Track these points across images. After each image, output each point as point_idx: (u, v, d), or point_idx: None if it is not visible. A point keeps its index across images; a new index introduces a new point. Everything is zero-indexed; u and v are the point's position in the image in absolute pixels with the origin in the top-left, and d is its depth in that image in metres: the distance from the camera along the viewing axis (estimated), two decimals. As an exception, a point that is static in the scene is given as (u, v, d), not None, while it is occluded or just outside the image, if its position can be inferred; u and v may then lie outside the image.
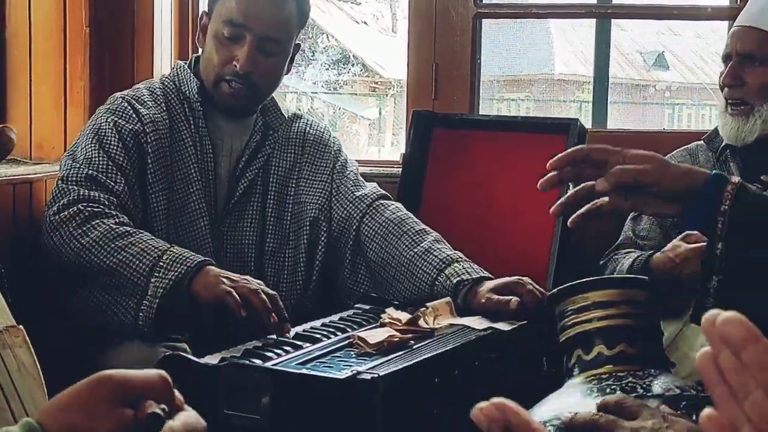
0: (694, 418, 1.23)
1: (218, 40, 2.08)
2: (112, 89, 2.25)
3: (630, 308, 1.31)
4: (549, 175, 1.38)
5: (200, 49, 2.18)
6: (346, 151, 2.30)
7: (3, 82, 2.58)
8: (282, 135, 2.22)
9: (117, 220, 1.93)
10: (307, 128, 2.26)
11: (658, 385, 1.25)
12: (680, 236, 1.93)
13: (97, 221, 1.91)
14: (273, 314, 1.76)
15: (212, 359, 1.57)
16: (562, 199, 1.38)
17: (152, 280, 1.83)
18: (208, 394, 1.49)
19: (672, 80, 10.81)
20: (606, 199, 1.35)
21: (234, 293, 1.76)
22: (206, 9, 2.15)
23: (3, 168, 2.39)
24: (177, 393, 0.80)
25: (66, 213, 1.93)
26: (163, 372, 0.79)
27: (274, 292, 1.83)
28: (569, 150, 1.39)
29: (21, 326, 0.96)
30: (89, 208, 1.93)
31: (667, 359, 1.36)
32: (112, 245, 1.88)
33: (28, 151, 2.59)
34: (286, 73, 2.20)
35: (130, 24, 2.70)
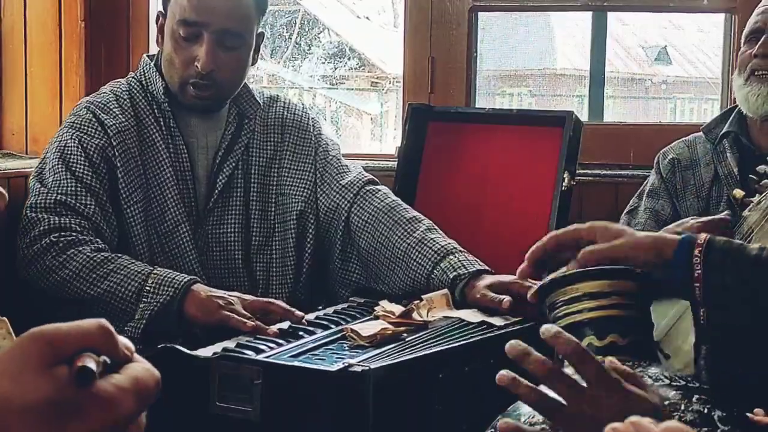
0: (682, 408, 1.23)
1: (175, 40, 2.01)
2: (108, 82, 2.23)
3: (620, 299, 1.30)
4: (522, 267, 1.41)
5: (159, 43, 2.11)
6: (326, 131, 2.25)
7: (-1, 78, 2.59)
8: (259, 122, 2.16)
9: (93, 246, 1.90)
10: (285, 112, 2.21)
11: (649, 376, 1.25)
12: (675, 224, 1.92)
13: (73, 250, 1.88)
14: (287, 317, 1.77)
15: (205, 352, 1.57)
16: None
17: (140, 305, 1.82)
18: (202, 386, 1.49)
19: (674, 74, 10.80)
20: None
21: (236, 317, 1.74)
22: (161, 8, 2.08)
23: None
24: (124, 341, 0.72)
25: (39, 245, 1.90)
26: (103, 320, 0.71)
27: (269, 300, 1.84)
28: (538, 244, 1.39)
29: (5, 318, 0.95)
30: (62, 238, 1.90)
31: (659, 350, 1.36)
32: (93, 275, 1.86)
33: (23, 145, 2.59)
34: (253, 64, 2.13)
35: (125, 17, 2.70)
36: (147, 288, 1.83)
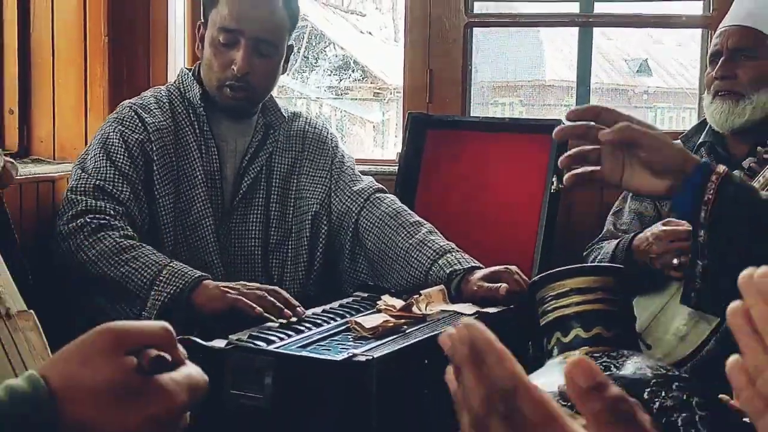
0: (663, 395, 1.23)
1: (215, 47, 2.06)
2: (129, 94, 2.25)
3: (604, 294, 1.31)
4: (563, 126, 1.37)
5: (201, 53, 2.15)
6: (343, 146, 2.29)
7: (28, 88, 2.58)
8: (282, 134, 2.20)
9: (122, 233, 1.92)
10: (307, 126, 2.25)
11: (631, 365, 1.25)
12: (661, 222, 1.93)
13: (104, 233, 1.90)
14: (283, 310, 1.75)
15: (219, 342, 1.57)
16: (564, 156, 1.36)
17: (152, 293, 1.83)
18: (216, 375, 1.48)
19: (655, 85, 10.80)
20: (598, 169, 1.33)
21: (244, 299, 1.75)
22: (202, 19, 2.13)
23: (28, 167, 2.40)
24: (180, 347, 0.76)
25: (75, 224, 1.92)
26: (165, 323, 0.75)
27: (273, 287, 1.83)
28: (585, 106, 1.37)
29: (32, 311, 0.96)
30: (96, 220, 1.92)
31: (641, 341, 1.37)
32: (117, 258, 1.87)
33: (51, 151, 2.59)
34: (282, 73, 2.17)
35: (146, 33, 2.70)
36: (160, 278, 1.84)
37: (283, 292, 1.82)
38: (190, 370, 0.75)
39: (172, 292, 1.81)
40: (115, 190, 1.97)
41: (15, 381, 0.69)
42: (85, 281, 1.92)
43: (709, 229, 1.26)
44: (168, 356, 0.72)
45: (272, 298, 1.77)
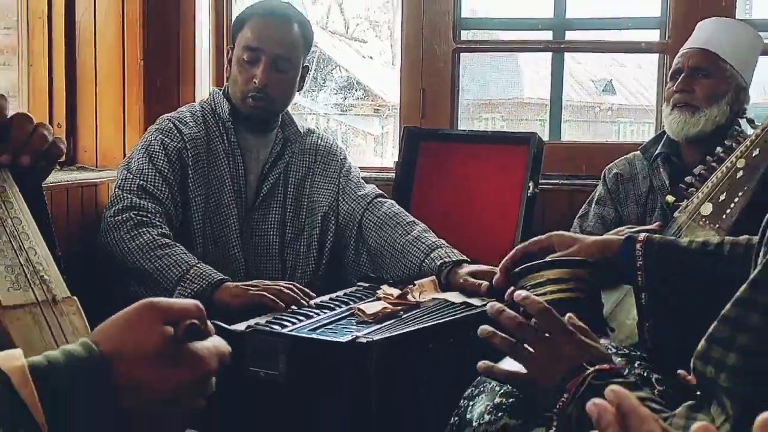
0: (626, 372, 1.23)
1: (240, 64, 2.08)
2: (162, 111, 2.25)
3: (576, 284, 1.30)
4: (496, 278, 1.42)
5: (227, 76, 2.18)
6: (351, 159, 2.30)
7: (74, 105, 2.59)
8: (298, 147, 2.21)
9: (159, 231, 1.92)
10: (319, 141, 2.26)
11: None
12: (615, 230, 1.93)
13: (144, 229, 1.91)
14: (301, 298, 1.77)
15: (240, 326, 1.57)
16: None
17: (178, 288, 1.83)
18: (237, 354, 1.48)
19: (618, 103, 10.82)
20: None
21: (268, 295, 1.75)
22: (231, 44, 2.15)
23: (73, 174, 2.40)
24: (209, 322, 0.77)
25: (120, 217, 1.93)
26: (197, 302, 0.77)
27: (290, 283, 1.84)
28: (507, 257, 1.41)
29: (75, 297, 0.95)
30: (138, 216, 1.93)
31: (606, 325, 1.36)
32: (152, 253, 1.88)
33: (94, 160, 2.59)
34: (299, 90, 2.18)
35: (176, 58, 2.69)
36: (187, 277, 1.84)
37: (299, 286, 1.83)
38: (218, 341, 0.76)
39: (195, 290, 1.81)
40: (155, 190, 1.98)
41: (71, 346, 0.69)
42: (123, 270, 1.91)
43: (647, 291, 1.27)
44: (200, 325, 0.74)
45: (290, 292, 1.77)
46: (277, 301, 1.73)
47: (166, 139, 2.05)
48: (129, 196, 1.97)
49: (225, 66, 2.21)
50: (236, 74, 2.09)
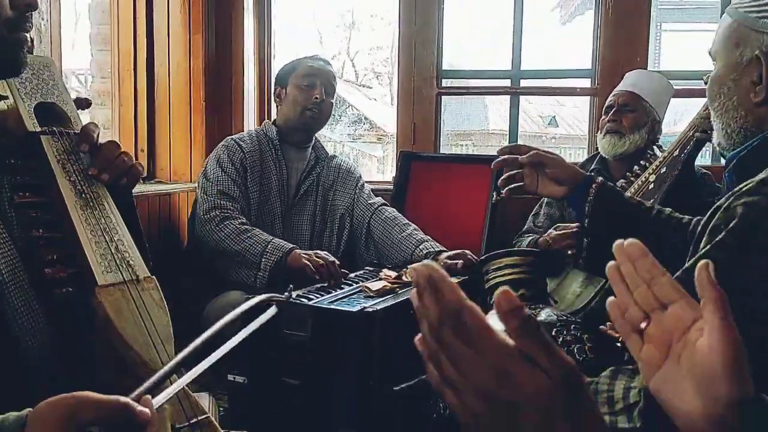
0: (564, 333, 1.23)
1: (299, 89, 2.10)
2: (219, 139, 2.24)
3: (527, 268, 1.30)
4: (498, 160, 1.35)
5: (277, 107, 2.18)
6: (363, 177, 2.29)
7: (153, 136, 2.59)
8: (326, 165, 2.21)
9: (239, 221, 1.95)
10: (341, 163, 2.25)
11: (544, 314, 1.25)
12: (554, 227, 1.93)
13: (228, 222, 1.94)
14: (332, 274, 1.77)
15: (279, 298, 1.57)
16: (501, 178, 1.33)
17: (263, 259, 1.85)
18: (275, 320, 1.48)
19: (560, 133, 10.83)
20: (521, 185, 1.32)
21: (310, 264, 1.77)
22: (277, 85, 2.16)
23: (153, 186, 2.40)
24: (140, 412, 0.58)
25: (208, 215, 1.95)
26: (118, 401, 0.58)
27: (333, 259, 1.83)
28: (509, 145, 1.36)
29: (153, 276, 0.95)
30: (222, 213, 1.95)
31: (551, 298, 1.36)
32: (238, 238, 1.90)
33: (168, 176, 2.59)
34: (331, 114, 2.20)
35: (229, 100, 2.70)
36: (268, 250, 1.86)
37: (336, 267, 1.81)
38: None
39: (275, 259, 1.84)
40: (230, 191, 2.00)
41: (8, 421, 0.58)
42: (216, 254, 1.93)
43: (590, 217, 1.25)
44: None
45: (328, 266, 1.79)
46: (313, 270, 1.76)
47: (231, 153, 2.06)
48: (211, 198, 1.98)
49: (273, 101, 2.22)
50: (295, 96, 2.10)
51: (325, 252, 1.88)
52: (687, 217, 1.23)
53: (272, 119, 2.23)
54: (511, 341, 0.47)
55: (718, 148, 1.02)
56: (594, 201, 1.24)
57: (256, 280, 1.85)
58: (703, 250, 0.80)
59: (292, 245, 1.87)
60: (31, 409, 0.57)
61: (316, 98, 2.07)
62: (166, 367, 0.67)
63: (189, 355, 0.68)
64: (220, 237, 1.91)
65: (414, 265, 0.53)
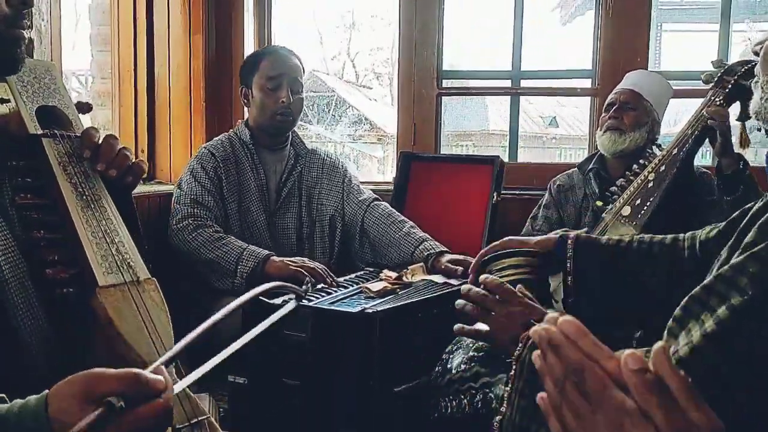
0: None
1: (264, 92, 2.04)
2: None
3: (529, 269, 1.30)
4: (470, 278, 1.35)
5: (247, 109, 2.13)
6: (350, 169, 2.24)
7: (154, 136, 2.59)
8: (306, 161, 2.16)
9: (213, 229, 1.91)
10: (324, 156, 2.20)
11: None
12: (552, 233, 1.94)
13: (201, 230, 1.90)
14: (327, 277, 1.76)
15: (277, 300, 1.57)
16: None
17: (238, 267, 1.82)
18: (275, 322, 1.48)
19: (560, 133, 10.82)
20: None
21: (303, 271, 1.75)
22: (242, 85, 2.11)
23: (153, 187, 2.40)
24: (152, 380, 0.59)
25: (181, 225, 1.92)
26: (134, 373, 0.60)
27: (322, 265, 1.82)
28: (475, 260, 1.37)
29: (154, 278, 0.95)
30: (194, 221, 1.92)
31: (552, 298, 1.36)
32: (212, 245, 1.87)
33: (168, 176, 2.60)
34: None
35: (229, 102, 2.69)
36: (243, 257, 1.83)
37: (326, 269, 1.81)
38: (152, 406, 0.60)
39: (251, 266, 1.81)
40: (203, 200, 1.96)
41: (28, 406, 0.59)
42: (190, 262, 1.91)
43: (573, 275, 1.28)
44: (117, 402, 0.58)
45: (320, 271, 1.77)
46: (309, 277, 1.71)
47: (204, 162, 2.02)
48: (184, 208, 1.95)
49: (241, 101, 2.16)
50: (262, 100, 2.05)
51: (308, 258, 1.85)
52: (670, 236, 1.24)
53: (245, 119, 2.18)
54: (630, 400, 0.50)
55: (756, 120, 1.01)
56: (574, 259, 1.27)
57: (233, 288, 1.82)
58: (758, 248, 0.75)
59: (268, 252, 1.84)
60: (48, 390, 0.59)
61: (283, 101, 2.01)
62: (179, 345, 0.68)
63: (198, 338, 0.71)
64: (195, 246, 1.88)
65: (534, 328, 0.56)
